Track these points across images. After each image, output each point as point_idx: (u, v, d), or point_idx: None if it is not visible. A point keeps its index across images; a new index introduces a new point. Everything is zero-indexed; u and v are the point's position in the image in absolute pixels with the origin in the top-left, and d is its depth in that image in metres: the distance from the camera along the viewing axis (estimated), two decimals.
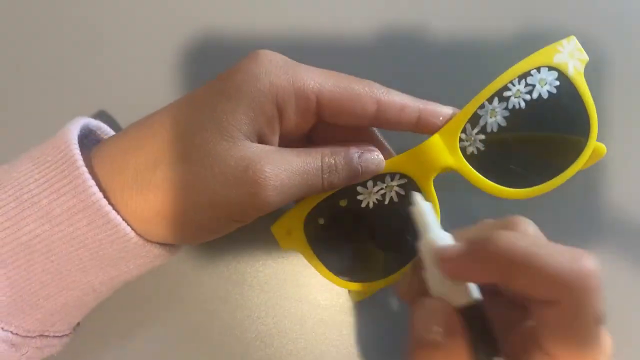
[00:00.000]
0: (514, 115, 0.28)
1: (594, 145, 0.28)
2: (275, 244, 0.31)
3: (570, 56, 0.28)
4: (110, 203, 0.23)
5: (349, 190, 0.28)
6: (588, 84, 0.28)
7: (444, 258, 0.22)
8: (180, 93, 0.33)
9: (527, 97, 0.27)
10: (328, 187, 0.26)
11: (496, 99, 0.27)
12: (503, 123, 0.28)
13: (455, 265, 0.22)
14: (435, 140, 0.27)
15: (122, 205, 0.24)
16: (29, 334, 0.25)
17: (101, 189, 0.23)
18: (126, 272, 0.25)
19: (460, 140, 0.28)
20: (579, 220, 0.34)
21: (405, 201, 0.28)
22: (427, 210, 0.24)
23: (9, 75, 0.33)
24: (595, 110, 0.28)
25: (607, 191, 0.34)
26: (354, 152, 0.26)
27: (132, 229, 0.24)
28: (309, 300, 0.33)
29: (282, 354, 0.32)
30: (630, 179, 0.34)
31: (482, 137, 0.28)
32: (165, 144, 0.24)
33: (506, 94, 0.27)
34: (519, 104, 0.27)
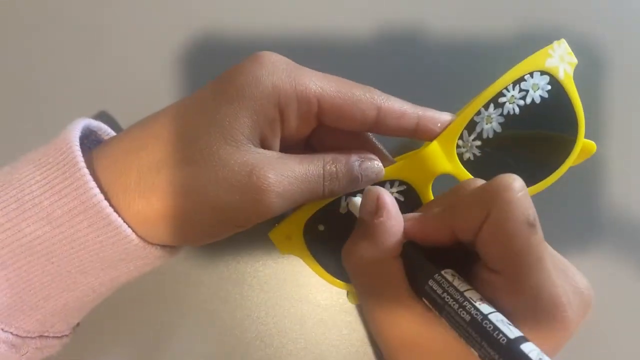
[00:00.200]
0: (508, 120, 0.28)
1: (583, 142, 0.29)
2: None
3: (561, 60, 0.28)
4: (111, 205, 0.23)
5: (349, 197, 0.29)
6: (587, 84, 0.29)
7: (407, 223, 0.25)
8: (180, 93, 0.33)
9: (521, 102, 0.28)
10: (328, 194, 0.26)
11: (492, 106, 0.28)
12: (498, 129, 0.28)
13: (410, 226, 0.25)
14: (434, 147, 0.28)
15: (124, 207, 0.24)
16: (28, 335, 0.25)
17: (103, 191, 0.23)
18: (126, 273, 0.25)
19: (458, 146, 0.28)
20: (579, 220, 0.34)
21: (405, 207, 0.29)
22: (357, 199, 0.27)
23: (9, 75, 0.33)
24: (582, 111, 0.29)
25: (607, 191, 0.34)
26: (355, 160, 0.27)
27: (134, 230, 0.24)
28: (309, 300, 0.33)
29: (282, 354, 0.32)
30: (630, 179, 0.34)
31: (479, 143, 0.28)
32: (169, 146, 0.24)
33: (501, 100, 0.28)
34: (514, 109, 0.28)
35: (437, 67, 0.34)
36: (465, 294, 0.22)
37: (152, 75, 0.33)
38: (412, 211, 0.29)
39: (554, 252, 0.25)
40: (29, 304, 0.24)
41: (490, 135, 0.28)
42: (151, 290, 0.33)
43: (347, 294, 0.32)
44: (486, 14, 0.34)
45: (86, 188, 0.23)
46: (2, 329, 0.24)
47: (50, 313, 0.25)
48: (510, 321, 0.22)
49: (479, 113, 0.28)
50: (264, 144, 0.25)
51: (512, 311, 0.22)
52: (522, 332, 0.21)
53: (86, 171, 0.23)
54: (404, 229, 0.25)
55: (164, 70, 0.33)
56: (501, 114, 0.28)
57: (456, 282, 0.23)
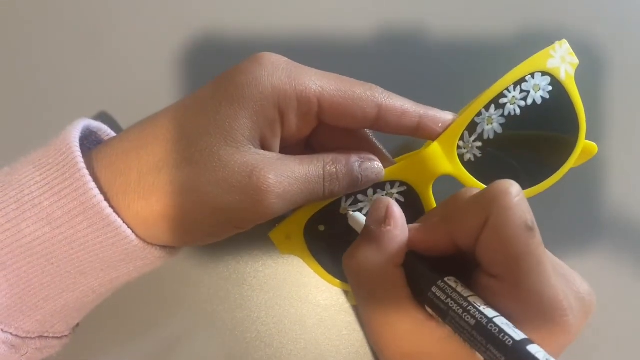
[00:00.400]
0: (509, 121, 0.28)
1: (584, 144, 0.29)
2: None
3: (562, 60, 0.28)
4: (111, 205, 0.23)
5: (349, 197, 0.28)
6: (588, 85, 0.29)
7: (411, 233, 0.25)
8: (180, 93, 0.33)
9: (522, 103, 0.28)
10: (329, 194, 0.26)
11: (493, 106, 0.28)
12: (499, 130, 0.28)
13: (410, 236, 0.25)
14: (435, 148, 0.28)
15: (124, 208, 0.24)
16: (28, 335, 0.25)
17: (102, 191, 0.23)
18: (126, 273, 0.25)
19: (458, 147, 0.28)
20: (579, 220, 0.34)
21: (405, 208, 0.29)
22: (358, 216, 0.28)
23: (9, 76, 0.33)
24: (584, 112, 0.29)
25: (607, 191, 0.34)
26: (355, 160, 0.27)
27: (133, 231, 0.24)
28: (309, 300, 0.33)
29: (282, 354, 0.32)
30: (630, 179, 0.34)
31: (479, 144, 0.28)
32: (169, 147, 0.24)
33: (502, 101, 0.28)
34: (515, 110, 0.28)
35: (437, 67, 0.34)
36: (469, 299, 0.22)
37: (152, 75, 0.33)
38: (413, 212, 0.29)
39: (554, 257, 0.25)
40: (28, 305, 0.24)
41: (491, 136, 0.28)
42: (151, 290, 0.33)
43: (347, 294, 0.32)
44: (487, 14, 0.34)
45: (86, 189, 0.23)
46: (2, 330, 0.24)
47: (50, 313, 0.25)
48: (513, 324, 0.21)
49: (479, 114, 0.28)
50: (264, 145, 0.25)
51: (514, 316, 0.22)
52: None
53: (86, 172, 0.23)
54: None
55: (164, 70, 0.33)
56: (502, 115, 0.28)
57: (459, 288, 0.23)
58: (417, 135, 0.27)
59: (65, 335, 0.27)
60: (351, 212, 0.28)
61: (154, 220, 0.24)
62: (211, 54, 0.33)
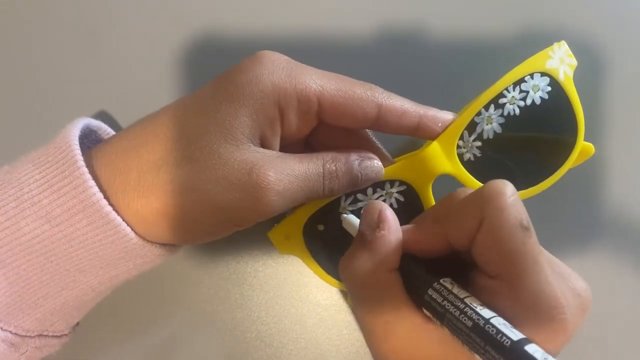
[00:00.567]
0: (508, 121, 0.28)
1: (582, 145, 0.29)
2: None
3: (561, 62, 0.28)
4: (110, 203, 0.23)
5: (349, 197, 0.28)
6: (588, 84, 0.29)
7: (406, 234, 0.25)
8: (180, 93, 0.33)
9: (522, 103, 0.28)
10: (328, 193, 0.26)
11: (492, 106, 0.28)
12: (498, 130, 0.28)
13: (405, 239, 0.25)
14: (434, 147, 0.28)
15: (123, 206, 0.24)
16: (28, 334, 0.25)
17: (102, 189, 0.23)
18: (126, 272, 0.25)
19: (458, 147, 0.28)
20: (579, 220, 0.34)
21: (404, 207, 0.29)
22: (352, 218, 0.28)
23: (9, 75, 0.33)
24: (582, 113, 0.29)
25: (607, 191, 0.34)
26: (355, 159, 0.27)
27: (133, 229, 0.24)
28: (309, 300, 0.33)
29: (282, 354, 0.32)
30: (630, 179, 0.34)
31: (479, 143, 0.28)
32: (169, 145, 0.24)
33: (502, 101, 0.28)
34: (514, 110, 0.28)
35: (437, 67, 0.34)
36: (466, 300, 0.22)
37: (152, 75, 0.33)
38: (412, 211, 0.29)
39: (551, 256, 0.25)
40: (28, 303, 0.24)
41: (491, 136, 0.28)
42: (151, 290, 0.33)
43: (346, 295, 0.32)
44: (487, 14, 0.34)
45: (85, 187, 0.23)
46: (2, 328, 0.24)
47: (49, 312, 0.25)
48: (511, 324, 0.21)
49: (479, 114, 0.28)
50: (264, 143, 0.25)
51: (512, 315, 0.22)
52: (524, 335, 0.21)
53: (85, 170, 0.23)
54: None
55: (164, 70, 0.33)
56: (501, 115, 0.28)
57: (455, 290, 0.23)
58: (417, 135, 0.27)
59: (65, 334, 0.27)
60: (344, 215, 0.28)
61: (154, 218, 0.24)
62: (211, 54, 0.33)
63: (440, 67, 0.34)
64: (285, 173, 0.24)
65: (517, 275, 0.22)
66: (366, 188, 0.28)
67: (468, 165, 0.29)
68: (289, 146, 0.27)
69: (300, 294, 0.33)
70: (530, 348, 0.20)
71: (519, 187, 0.29)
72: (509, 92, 0.28)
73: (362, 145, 0.29)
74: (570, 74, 0.29)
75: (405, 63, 0.34)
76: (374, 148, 0.29)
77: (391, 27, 0.34)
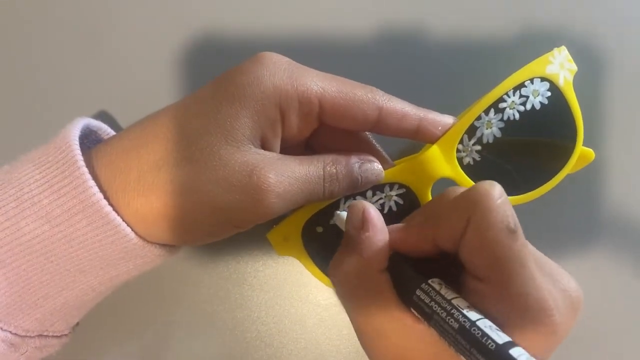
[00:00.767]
0: (508, 126, 0.28)
1: (581, 150, 0.29)
2: None
3: (561, 67, 0.28)
4: (110, 204, 0.23)
5: (348, 199, 0.28)
6: (588, 85, 0.29)
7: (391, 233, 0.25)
8: (180, 93, 0.33)
9: (521, 108, 0.28)
10: (328, 195, 0.26)
11: (492, 111, 0.28)
12: (498, 134, 0.28)
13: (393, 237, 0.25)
14: (434, 151, 0.28)
15: (123, 206, 0.24)
16: (28, 334, 0.25)
17: (102, 190, 0.23)
18: (126, 272, 0.25)
19: (458, 151, 0.28)
20: (578, 220, 0.34)
21: (404, 210, 0.29)
22: (344, 215, 0.27)
23: (9, 75, 0.33)
24: (581, 119, 0.29)
25: (607, 191, 0.34)
26: (355, 162, 0.27)
27: (133, 229, 0.24)
28: (309, 300, 0.33)
29: (282, 354, 0.32)
30: (630, 179, 0.34)
31: (479, 147, 0.28)
32: (169, 145, 0.24)
33: (501, 105, 0.28)
34: (514, 115, 0.28)
35: (437, 67, 0.34)
36: (453, 301, 0.22)
37: (152, 75, 0.33)
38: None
39: (541, 256, 0.25)
40: (28, 303, 0.24)
41: (490, 140, 0.28)
42: (151, 290, 0.33)
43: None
44: (487, 14, 0.34)
45: (85, 187, 0.23)
46: (2, 328, 0.24)
47: (49, 312, 0.25)
48: (499, 328, 0.21)
49: (479, 118, 0.28)
50: (265, 145, 0.25)
51: (500, 318, 0.22)
52: (512, 338, 0.21)
53: (85, 170, 0.23)
54: (389, 240, 0.25)
55: (164, 70, 0.33)
56: (501, 119, 0.28)
57: (443, 291, 0.23)
58: (417, 138, 0.27)
59: (65, 335, 0.27)
60: (337, 212, 0.28)
61: (154, 218, 0.24)
62: (211, 54, 0.33)
63: (440, 67, 0.34)
64: (286, 175, 0.24)
65: (504, 278, 0.22)
66: (366, 191, 0.28)
67: (467, 169, 0.29)
68: (289, 148, 0.27)
69: (300, 294, 0.33)
70: (515, 352, 0.20)
71: (517, 191, 0.29)
72: (509, 96, 0.28)
73: (363, 148, 0.29)
74: (570, 79, 0.29)
75: (405, 63, 0.34)
76: (374, 151, 0.29)
77: (391, 27, 0.34)
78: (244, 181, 0.23)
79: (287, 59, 0.26)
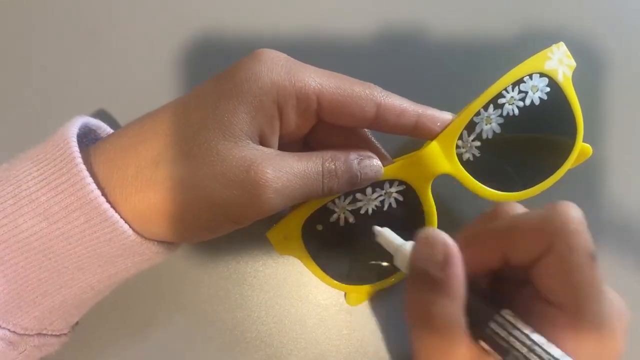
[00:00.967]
0: (507, 121, 0.28)
1: (581, 146, 0.29)
2: None
3: (560, 62, 0.28)
4: (108, 200, 0.23)
5: (348, 196, 0.28)
6: (588, 84, 0.29)
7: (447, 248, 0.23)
8: (180, 93, 0.33)
9: (520, 103, 0.28)
10: (327, 192, 0.26)
11: (491, 106, 0.28)
12: (497, 130, 0.28)
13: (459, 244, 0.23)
14: (433, 147, 0.28)
15: (121, 203, 0.24)
16: (26, 332, 0.25)
17: (100, 187, 0.23)
18: (124, 269, 0.25)
19: (457, 147, 0.28)
20: None
21: (404, 207, 0.29)
22: (388, 232, 0.26)
23: (9, 75, 0.33)
24: (581, 115, 0.29)
25: (607, 191, 0.33)
26: (354, 158, 0.27)
27: (131, 226, 0.24)
28: (309, 300, 0.33)
29: (282, 354, 0.32)
30: (630, 179, 0.34)
31: (478, 143, 0.28)
32: (167, 141, 0.24)
33: (500, 101, 0.28)
34: (513, 110, 0.28)
35: (437, 67, 0.34)
36: (532, 337, 0.21)
37: (152, 75, 0.33)
38: (411, 211, 0.29)
39: None
40: (26, 301, 0.24)
41: (490, 136, 0.28)
42: (150, 290, 0.32)
43: (345, 295, 0.32)
44: (487, 14, 0.34)
45: (83, 184, 0.23)
46: (0, 326, 0.24)
47: (48, 310, 0.25)
48: (572, 351, 0.21)
49: (478, 114, 0.28)
50: (263, 142, 0.25)
51: (574, 345, 0.21)
52: None
53: (83, 167, 0.23)
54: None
55: (164, 70, 0.33)
56: (500, 115, 0.28)
57: (520, 324, 0.22)
58: (415, 135, 0.27)
59: (64, 334, 0.27)
60: (379, 229, 0.26)
61: (151, 214, 0.24)
62: (211, 54, 0.34)
63: (440, 67, 0.34)
64: (284, 171, 0.24)
65: (583, 304, 0.22)
66: (365, 188, 0.28)
67: (467, 165, 0.29)
68: (287, 145, 0.27)
69: (300, 294, 0.33)
70: None
71: (517, 188, 0.29)
72: (507, 92, 0.28)
73: (361, 144, 0.29)
74: (569, 74, 0.29)
75: (405, 63, 0.34)
76: (372, 148, 0.29)
77: (391, 27, 0.34)
78: (241, 176, 0.23)
79: (284, 55, 0.26)
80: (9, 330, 0.25)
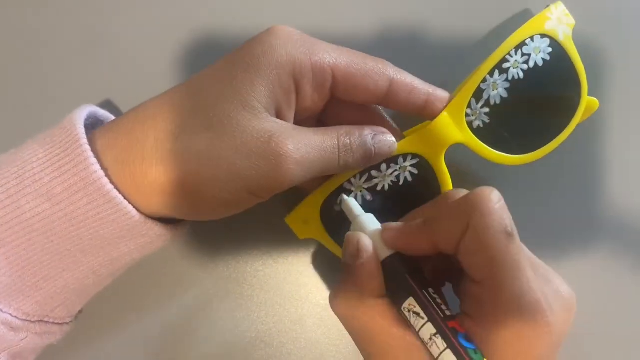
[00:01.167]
0: (514, 85, 0.29)
1: (587, 100, 0.30)
2: (275, 243, 0.31)
3: (559, 22, 0.29)
4: (113, 182, 0.23)
5: (364, 174, 0.29)
6: (587, 84, 0.29)
7: (386, 230, 0.26)
8: None
9: (525, 66, 0.29)
10: (343, 166, 0.26)
11: (497, 72, 0.28)
12: (504, 94, 0.29)
13: (393, 237, 0.25)
14: (444, 117, 0.28)
15: (140, 177, 0.23)
16: (28, 318, 0.25)
17: (104, 167, 0.23)
18: (127, 253, 0.25)
19: (467, 115, 0.28)
20: (578, 220, 0.34)
21: (419, 180, 0.29)
22: (352, 202, 0.27)
23: (10, 74, 0.33)
24: (584, 70, 0.29)
25: (607, 191, 0.34)
26: (368, 133, 0.27)
27: (138, 207, 0.24)
28: (309, 300, 0.33)
29: (282, 354, 0.32)
30: (630, 179, 0.34)
31: (487, 110, 0.29)
32: (186, 114, 0.24)
33: (505, 65, 0.28)
34: (518, 74, 0.29)
35: (437, 67, 0.34)
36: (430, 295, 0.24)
37: (152, 75, 0.33)
38: (427, 184, 0.29)
39: (535, 259, 0.25)
40: (28, 284, 0.24)
41: (498, 101, 0.29)
42: (151, 289, 0.32)
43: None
44: (487, 14, 0.34)
45: (87, 164, 0.23)
46: (2, 310, 0.24)
47: (50, 295, 0.25)
48: (495, 329, 0.22)
49: (484, 80, 0.28)
50: (279, 116, 0.25)
51: (496, 319, 0.22)
52: (508, 340, 0.22)
53: (87, 147, 0.23)
54: (388, 238, 0.25)
55: (164, 70, 0.33)
56: (506, 80, 0.28)
57: (429, 295, 0.24)
58: (423, 114, 0.28)
59: (66, 323, 0.27)
60: (345, 197, 0.28)
61: (171, 186, 0.24)
62: (211, 54, 0.34)
63: (440, 67, 0.34)
64: (303, 143, 0.24)
65: (500, 279, 0.22)
66: (380, 164, 0.28)
67: (478, 132, 0.29)
68: (301, 122, 0.27)
69: (300, 293, 0.33)
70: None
71: (530, 149, 0.29)
72: (511, 56, 0.28)
73: (374, 121, 0.29)
74: (569, 33, 0.29)
75: (405, 63, 0.34)
76: (385, 123, 0.29)
77: (391, 27, 0.34)
78: (262, 147, 0.23)
79: (299, 31, 0.26)
80: (10, 314, 0.24)
